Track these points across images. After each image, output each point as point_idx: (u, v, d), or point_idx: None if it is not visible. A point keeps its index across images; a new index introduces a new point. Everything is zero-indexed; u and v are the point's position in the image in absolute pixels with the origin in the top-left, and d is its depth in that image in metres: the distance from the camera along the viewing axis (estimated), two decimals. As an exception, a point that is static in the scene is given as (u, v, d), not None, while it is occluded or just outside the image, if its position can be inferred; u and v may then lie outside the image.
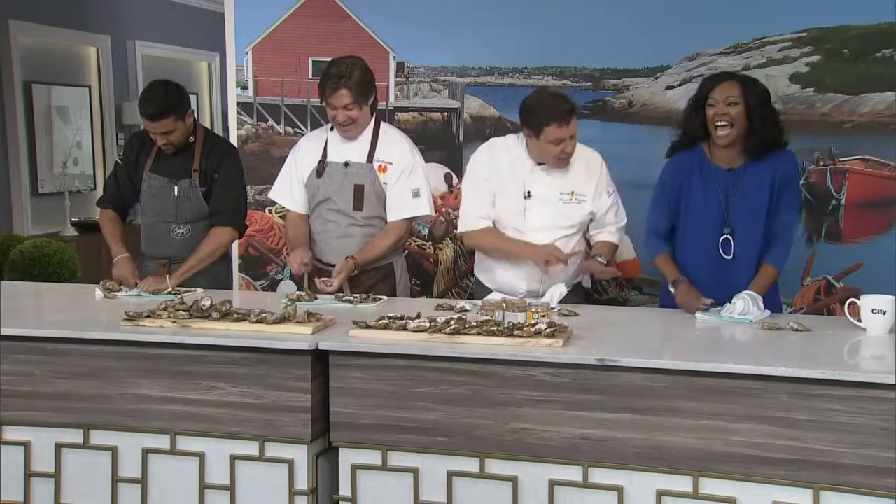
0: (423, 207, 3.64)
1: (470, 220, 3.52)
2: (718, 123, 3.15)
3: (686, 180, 3.26)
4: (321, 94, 3.55)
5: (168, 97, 3.66)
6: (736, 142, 3.19)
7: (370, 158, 3.60)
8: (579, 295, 3.56)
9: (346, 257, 3.54)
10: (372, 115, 3.64)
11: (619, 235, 3.55)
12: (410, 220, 3.70)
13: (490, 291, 3.49)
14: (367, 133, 3.63)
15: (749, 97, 3.13)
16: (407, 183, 3.60)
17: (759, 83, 3.23)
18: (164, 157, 3.79)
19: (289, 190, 3.74)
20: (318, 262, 3.61)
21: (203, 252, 3.71)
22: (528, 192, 3.43)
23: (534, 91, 3.53)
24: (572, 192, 3.43)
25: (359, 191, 3.59)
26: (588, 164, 3.48)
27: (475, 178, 3.52)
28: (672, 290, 3.20)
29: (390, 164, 3.60)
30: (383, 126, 3.71)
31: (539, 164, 3.44)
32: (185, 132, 3.74)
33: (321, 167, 3.64)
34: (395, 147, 3.63)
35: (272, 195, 3.85)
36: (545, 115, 3.31)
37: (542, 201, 3.43)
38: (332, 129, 3.67)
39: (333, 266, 3.53)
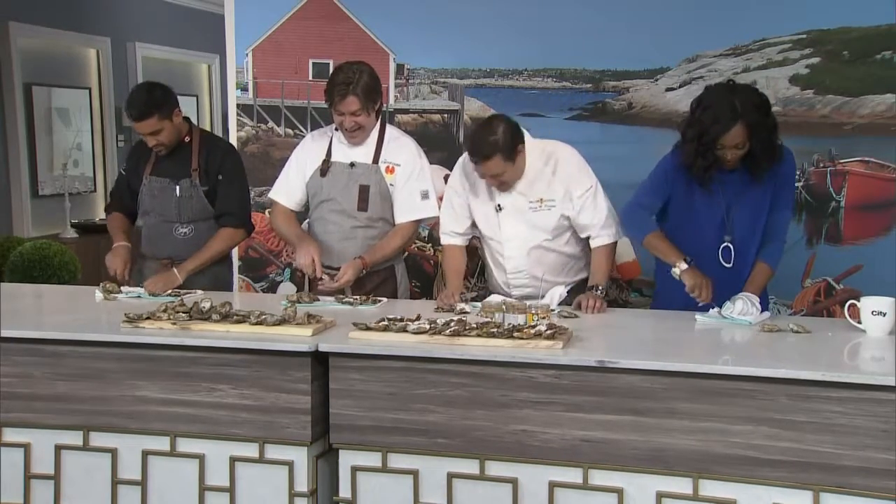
0: (431, 209, 3.65)
1: (440, 233, 3.65)
2: (728, 164, 3.13)
3: (689, 178, 3.22)
4: (328, 100, 3.53)
5: (151, 97, 3.68)
6: None
7: (376, 159, 3.60)
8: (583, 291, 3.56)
9: (355, 258, 3.52)
10: (377, 118, 3.64)
11: (607, 232, 3.43)
12: (418, 222, 3.70)
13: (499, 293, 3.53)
14: (373, 134, 3.63)
15: (754, 133, 3.04)
16: (416, 185, 3.61)
17: (757, 101, 3.08)
18: (163, 159, 3.80)
19: (285, 186, 3.73)
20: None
21: (215, 250, 3.74)
22: (499, 206, 3.45)
23: (485, 118, 3.51)
24: (541, 200, 3.41)
25: (364, 191, 3.59)
26: (555, 167, 3.41)
27: (450, 193, 3.59)
28: (679, 270, 3.13)
29: (398, 165, 3.60)
30: (388, 128, 3.71)
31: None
32: (175, 131, 3.75)
33: (325, 167, 3.63)
34: (403, 149, 3.63)
35: (272, 194, 3.81)
36: (467, 146, 3.38)
37: (513, 212, 3.43)
38: (336, 128, 3.67)
39: (335, 269, 3.52)
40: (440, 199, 3.69)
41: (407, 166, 3.60)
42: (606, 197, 3.45)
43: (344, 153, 3.63)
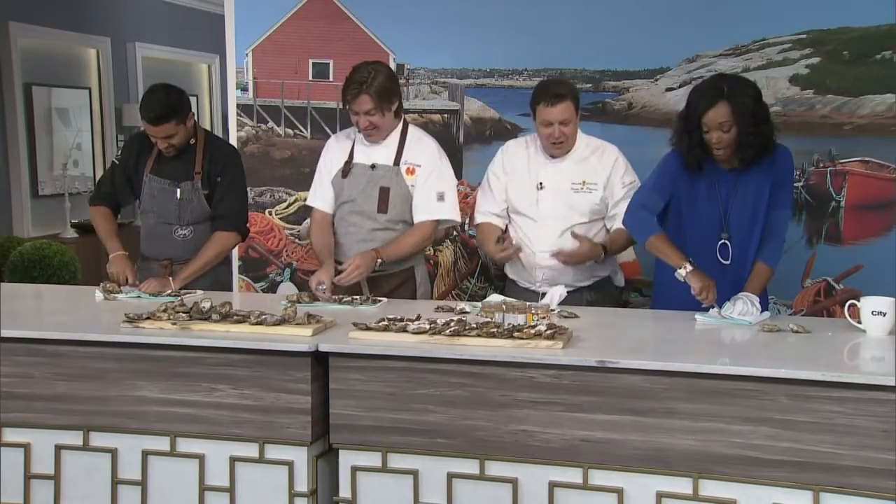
0: (447, 211, 3.61)
1: (476, 213, 3.76)
2: (716, 151, 3.14)
3: (691, 176, 3.24)
4: (343, 99, 3.53)
5: (169, 101, 3.65)
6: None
7: (397, 161, 3.58)
8: (608, 292, 3.60)
9: (370, 250, 3.48)
10: (398, 119, 3.61)
11: None
12: (436, 222, 3.64)
13: (515, 284, 3.61)
14: (395, 135, 3.61)
15: (739, 116, 3.05)
16: (433, 186, 3.58)
17: (747, 89, 3.11)
18: (165, 160, 3.79)
19: (319, 188, 3.71)
20: (338, 264, 3.55)
21: (208, 256, 3.72)
22: (541, 184, 3.55)
23: None
24: (584, 182, 3.53)
25: (384, 193, 3.57)
26: (602, 155, 3.58)
27: (489, 177, 3.70)
28: (684, 272, 3.13)
29: (418, 166, 3.58)
30: (411, 129, 3.68)
31: (552, 157, 3.57)
32: (186, 135, 3.74)
33: (347, 168, 3.62)
34: (424, 150, 3.61)
35: (308, 201, 3.77)
36: (537, 94, 3.48)
37: (553, 191, 3.54)
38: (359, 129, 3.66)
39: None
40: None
41: (426, 167, 3.58)
42: None
43: (366, 154, 3.62)
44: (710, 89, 3.13)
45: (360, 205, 3.60)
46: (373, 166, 3.59)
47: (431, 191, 3.58)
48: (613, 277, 3.69)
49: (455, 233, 4.69)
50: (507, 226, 3.67)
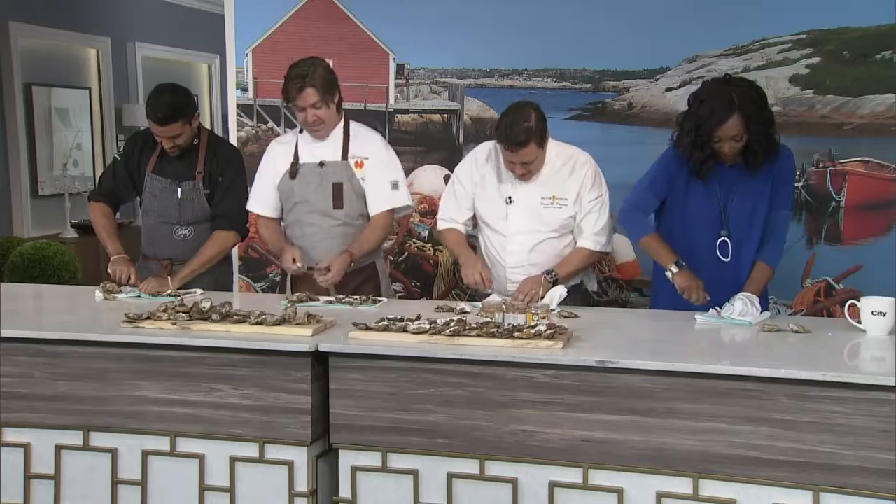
0: (403, 198, 3.65)
1: (438, 218, 3.68)
2: (725, 157, 3.15)
3: (691, 173, 3.23)
4: (286, 97, 3.53)
5: (176, 101, 3.65)
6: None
7: (345, 156, 3.60)
8: (579, 295, 3.55)
9: (341, 252, 3.50)
10: (340, 115, 3.64)
11: (597, 240, 3.48)
12: (392, 212, 3.68)
13: (486, 293, 3.51)
14: (338, 131, 3.63)
15: (751, 126, 3.06)
16: (385, 175, 3.61)
17: (754, 95, 3.10)
18: (167, 159, 3.79)
19: (260, 196, 3.74)
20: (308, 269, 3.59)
21: (206, 256, 3.71)
22: (510, 198, 3.47)
23: (511, 105, 3.44)
24: (553, 197, 3.44)
25: (337, 189, 3.59)
26: (574, 168, 3.46)
27: (455, 182, 3.62)
28: (671, 273, 3.16)
29: (366, 159, 3.60)
30: (353, 123, 3.70)
31: None
32: (192, 135, 3.74)
33: (294, 169, 3.63)
34: (369, 142, 3.64)
35: (249, 206, 3.79)
36: (498, 132, 3.36)
37: (523, 206, 3.46)
38: (301, 130, 3.67)
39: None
40: (448, 192, 3.67)
41: (374, 158, 3.60)
42: (609, 211, 3.50)
43: (311, 153, 3.63)
44: (720, 101, 3.07)
45: (314, 204, 3.61)
46: (321, 164, 3.60)
47: (384, 181, 3.60)
48: (586, 282, 3.64)
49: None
50: (467, 234, 3.62)
